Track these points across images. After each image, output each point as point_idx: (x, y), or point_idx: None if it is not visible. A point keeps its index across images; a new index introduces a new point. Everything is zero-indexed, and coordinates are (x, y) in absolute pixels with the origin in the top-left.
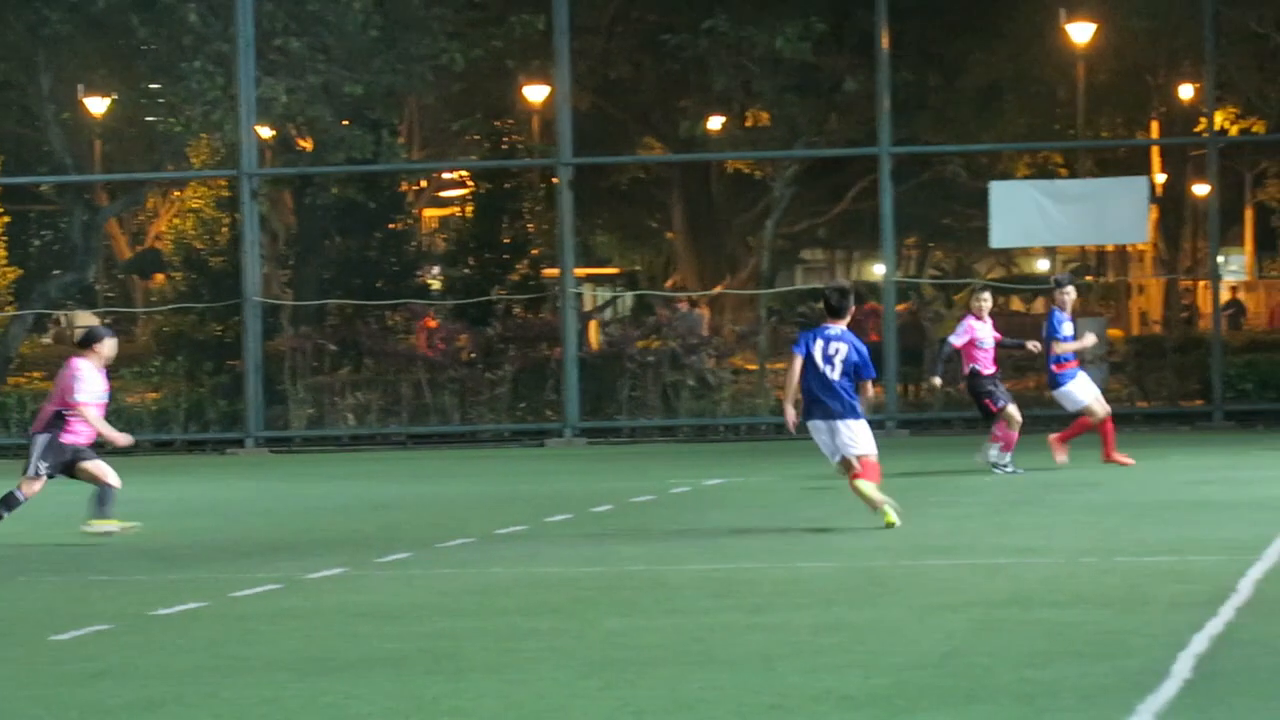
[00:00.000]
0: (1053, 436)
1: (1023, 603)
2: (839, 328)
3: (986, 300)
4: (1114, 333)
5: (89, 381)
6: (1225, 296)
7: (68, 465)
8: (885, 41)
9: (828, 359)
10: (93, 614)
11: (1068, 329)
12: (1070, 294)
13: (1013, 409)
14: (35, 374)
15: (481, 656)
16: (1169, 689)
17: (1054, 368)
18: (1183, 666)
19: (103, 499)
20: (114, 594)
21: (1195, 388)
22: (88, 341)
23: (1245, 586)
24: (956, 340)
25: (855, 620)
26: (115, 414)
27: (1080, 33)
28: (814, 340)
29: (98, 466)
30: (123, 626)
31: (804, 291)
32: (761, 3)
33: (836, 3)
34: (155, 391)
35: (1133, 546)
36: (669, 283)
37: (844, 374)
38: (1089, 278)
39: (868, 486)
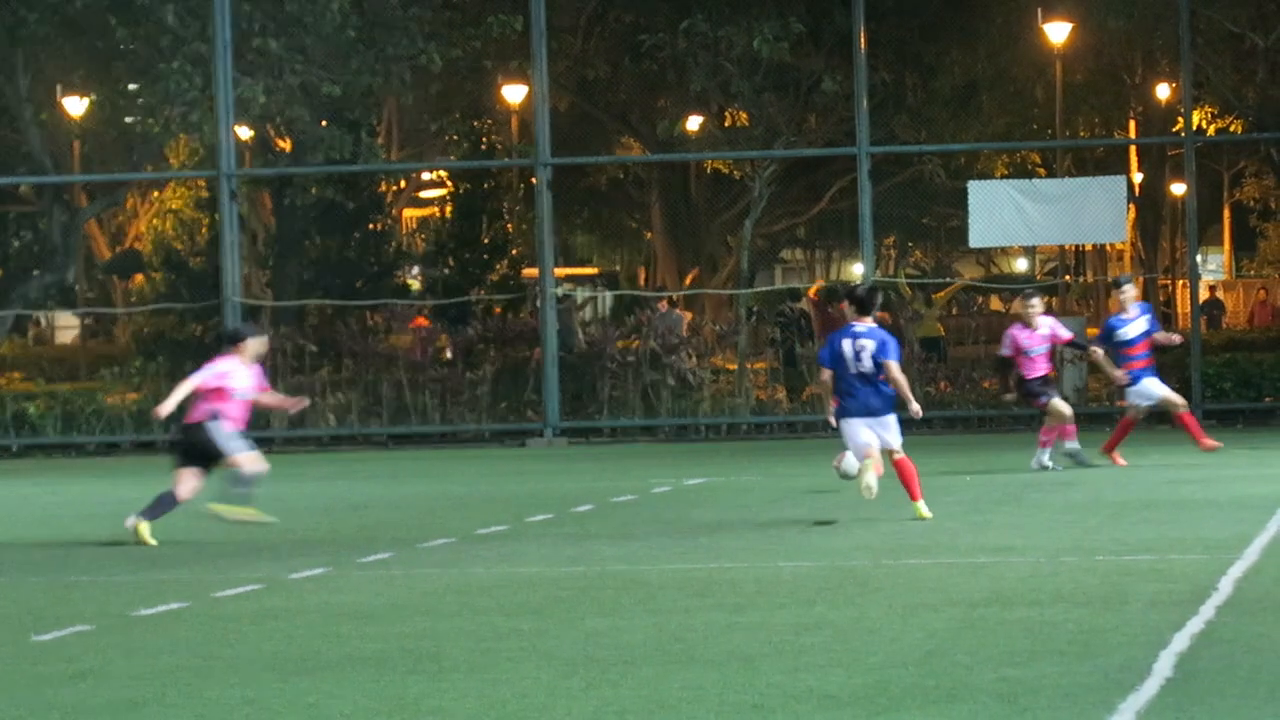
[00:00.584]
0: (1105, 448)
1: (1003, 602)
2: (865, 325)
3: (1034, 306)
4: (1093, 332)
5: (235, 378)
6: (1204, 295)
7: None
8: (863, 42)
9: (857, 356)
10: (74, 615)
11: (1131, 330)
12: (1126, 292)
13: (1057, 403)
14: (15, 374)
15: (463, 656)
16: (1150, 687)
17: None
18: (1163, 665)
19: (239, 483)
20: (95, 594)
21: (1174, 386)
22: (234, 340)
23: (1226, 585)
24: (1004, 352)
25: (837, 619)
26: (94, 414)
27: (1057, 33)
28: (840, 342)
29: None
30: (104, 627)
31: (783, 291)
32: (739, 3)
33: (814, 3)
34: (136, 392)
35: (1113, 545)
36: (642, 280)
37: (877, 369)
38: (1067, 277)
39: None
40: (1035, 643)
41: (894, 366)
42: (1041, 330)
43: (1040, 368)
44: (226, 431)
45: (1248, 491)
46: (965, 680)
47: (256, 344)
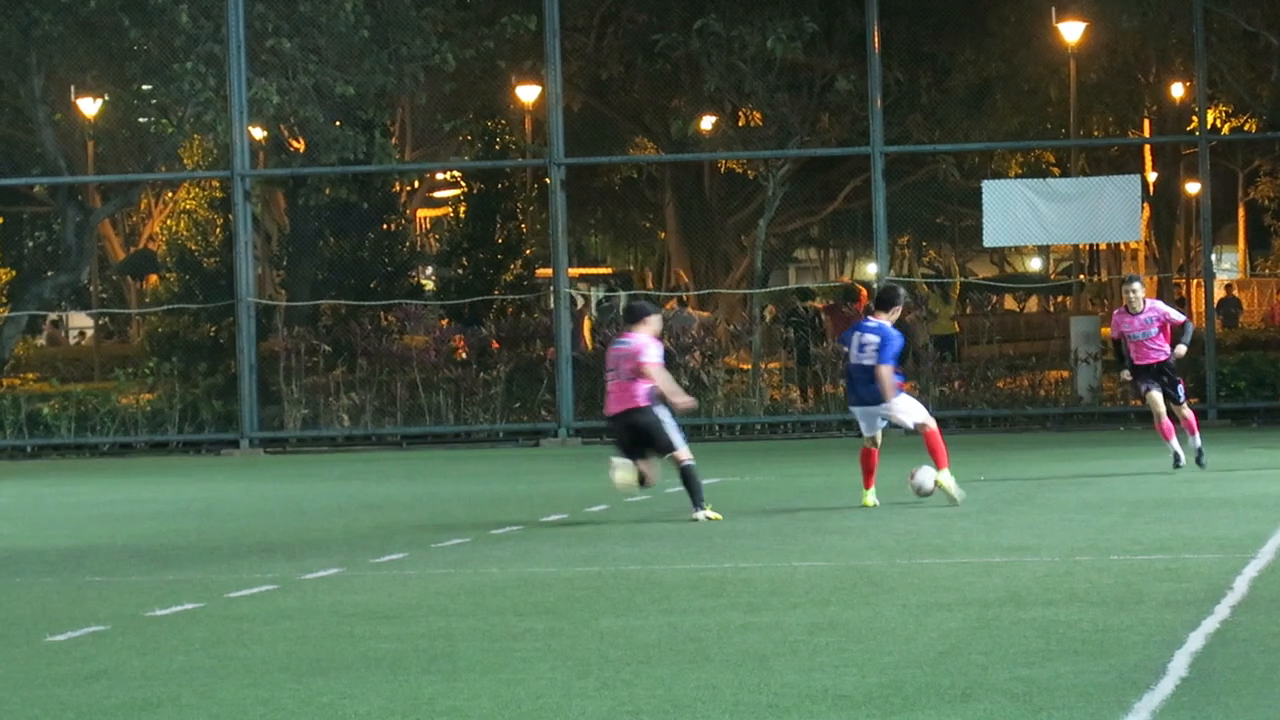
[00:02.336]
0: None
1: (1018, 601)
2: (877, 321)
3: (1134, 291)
4: (1107, 331)
5: (654, 350)
6: (1220, 294)
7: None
8: (876, 41)
9: (861, 349)
10: (89, 615)
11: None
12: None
13: (1152, 395)
14: (30, 375)
15: (477, 656)
16: (1165, 687)
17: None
18: (1179, 664)
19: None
20: (110, 595)
21: (1189, 385)
22: (640, 316)
23: (1240, 584)
24: (1113, 334)
25: (850, 619)
26: (108, 415)
27: (1071, 31)
28: (852, 334)
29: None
30: (119, 627)
31: (796, 290)
32: (752, 3)
33: (827, 2)
34: (150, 392)
35: (1127, 545)
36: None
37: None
38: (1081, 276)
39: (945, 478)
40: (1050, 642)
41: (884, 371)
42: (1141, 315)
43: (1147, 355)
44: (669, 418)
45: (1262, 490)
46: (980, 680)
47: (658, 320)
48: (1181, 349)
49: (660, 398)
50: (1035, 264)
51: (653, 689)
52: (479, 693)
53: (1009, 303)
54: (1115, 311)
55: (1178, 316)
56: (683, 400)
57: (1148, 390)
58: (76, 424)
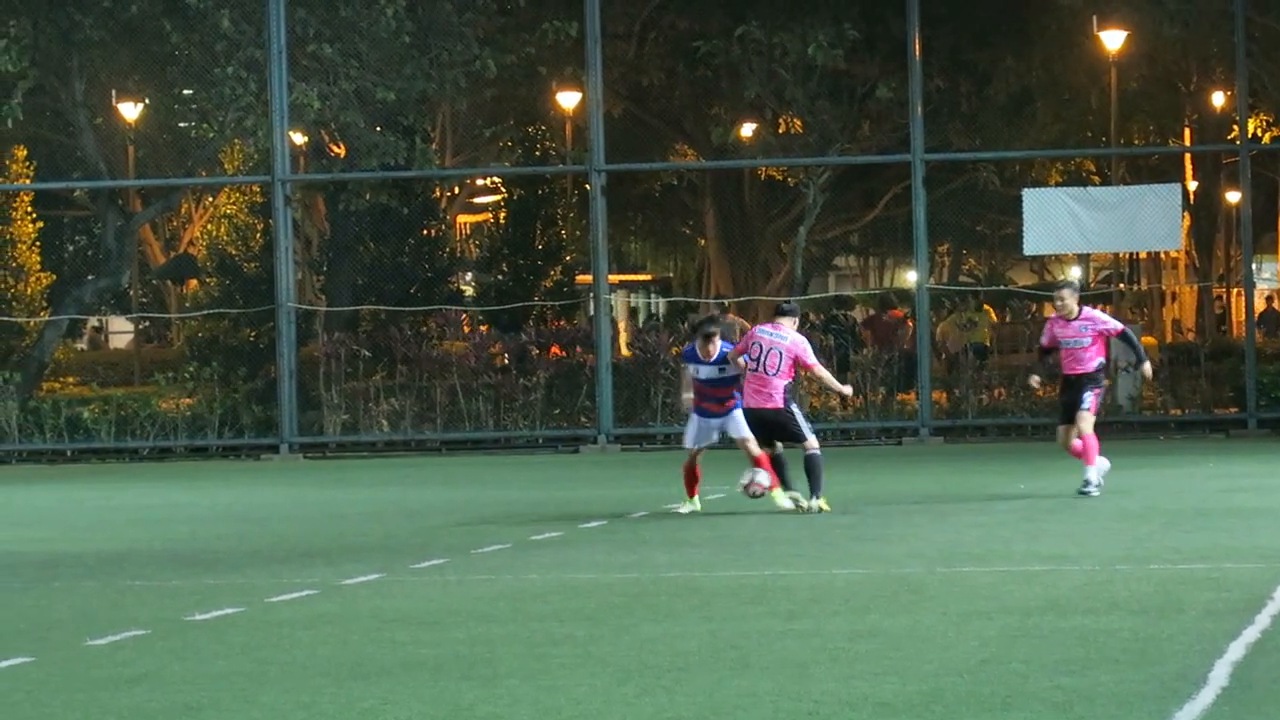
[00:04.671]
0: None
1: (1058, 610)
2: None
3: (1062, 298)
4: (1147, 340)
5: (809, 347)
6: (1260, 306)
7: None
8: (917, 48)
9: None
10: (129, 619)
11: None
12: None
13: (1063, 431)
14: (70, 379)
15: (517, 662)
16: (1205, 696)
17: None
18: (1219, 674)
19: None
20: (150, 599)
21: (1229, 395)
22: (789, 313)
23: None
24: (1044, 340)
25: (890, 627)
26: (148, 419)
27: (1112, 40)
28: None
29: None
30: (159, 631)
31: (835, 298)
32: (793, 10)
33: (868, 10)
34: (190, 397)
35: (1167, 554)
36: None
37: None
38: (1120, 285)
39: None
40: (1090, 651)
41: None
42: (1077, 323)
43: (1070, 365)
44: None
45: None
46: (1020, 688)
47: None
48: (1148, 368)
49: (795, 396)
50: (1075, 272)
51: (693, 696)
52: (519, 699)
53: (1048, 311)
54: (1049, 319)
55: (1115, 326)
56: (845, 389)
57: (1062, 424)
58: (116, 428)
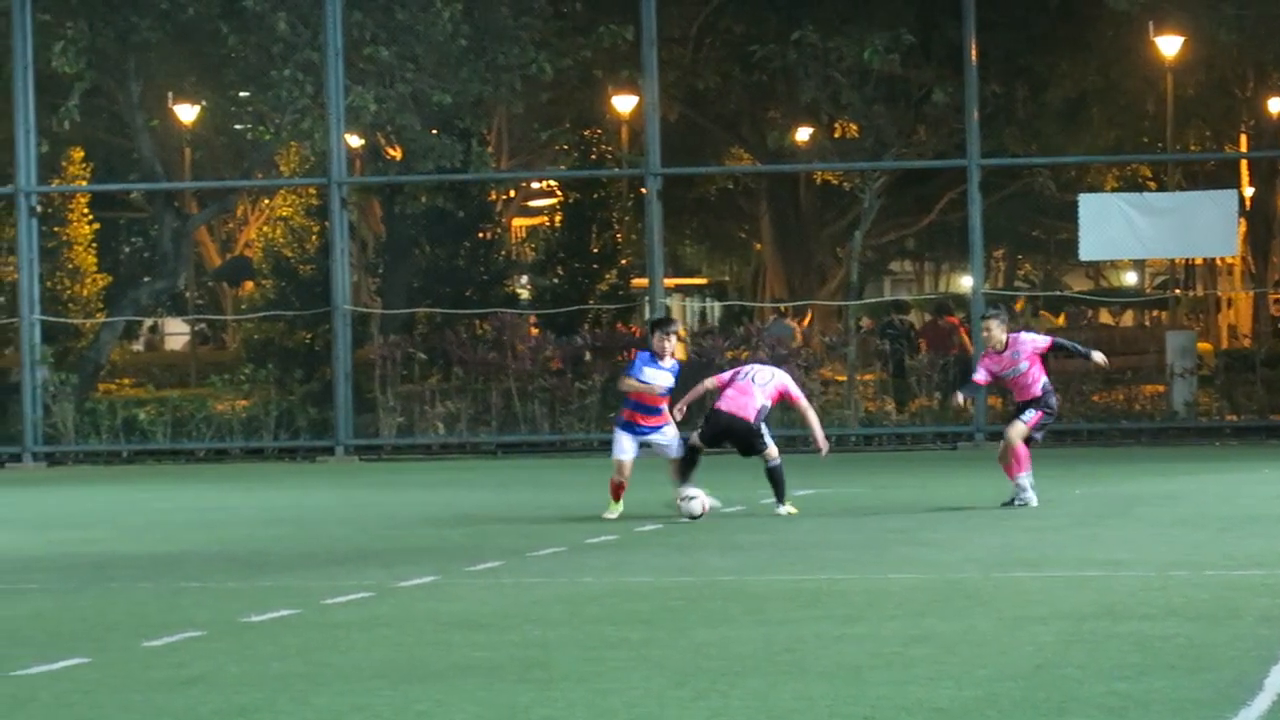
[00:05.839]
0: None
1: (1113, 615)
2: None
3: (989, 329)
4: (1203, 346)
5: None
6: None
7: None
8: (974, 53)
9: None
10: (184, 620)
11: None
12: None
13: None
14: (126, 380)
15: (572, 665)
16: (1262, 703)
17: None
18: (1275, 680)
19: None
20: (206, 600)
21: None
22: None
23: None
24: (981, 379)
25: (945, 632)
26: (204, 421)
27: (1168, 46)
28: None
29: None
30: (215, 633)
31: (891, 302)
32: (849, 14)
33: (924, 14)
34: (245, 399)
35: (1222, 560)
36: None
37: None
38: (1176, 291)
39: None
40: (1145, 657)
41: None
42: (1009, 352)
43: (1023, 392)
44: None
45: None
46: (1075, 694)
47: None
48: (1098, 357)
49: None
50: (1130, 278)
51: (748, 700)
52: (574, 702)
53: (1104, 316)
54: (983, 355)
55: (1043, 341)
56: (823, 443)
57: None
58: (172, 429)
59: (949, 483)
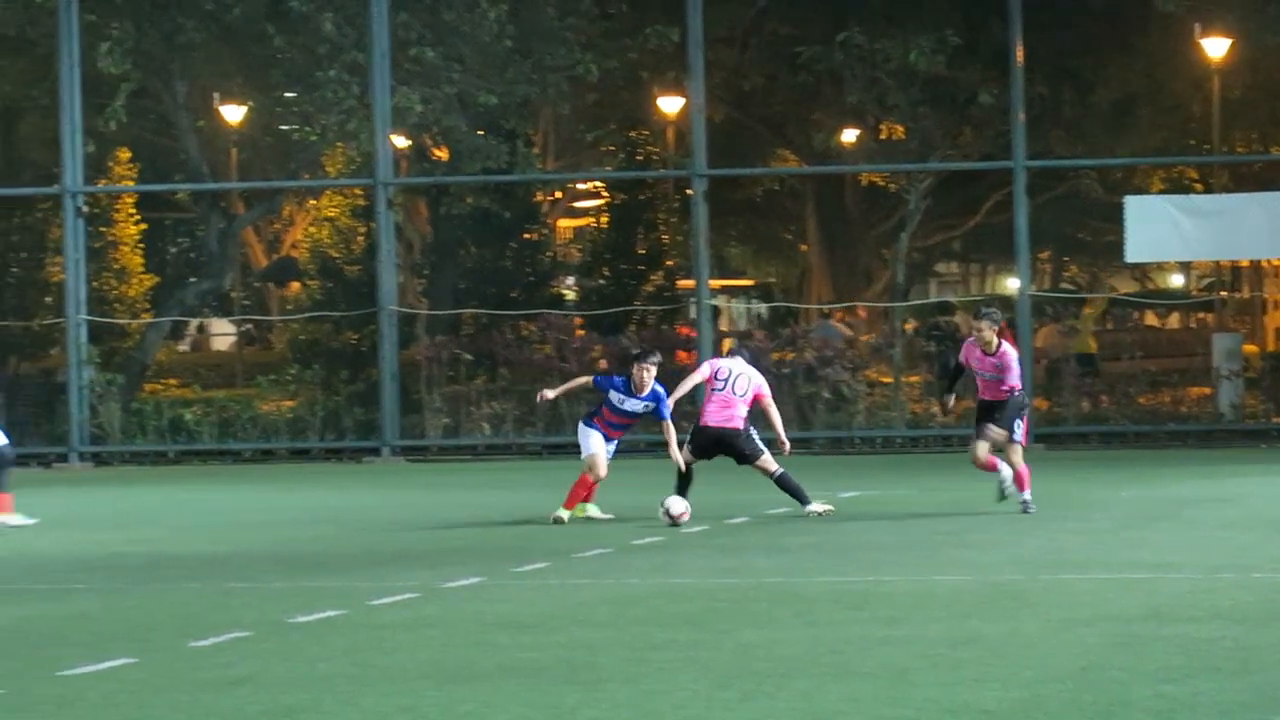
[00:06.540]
0: None
1: (1159, 618)
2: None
3: (980, 331)
4: (1249, 348)
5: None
6: None
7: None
8: (1019, 55)
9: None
10: (231, 621)
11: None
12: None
13: (976, 446)
14: (172, 381)
15: (618, 667)
16: None
17: None
18: None
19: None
20: (252, 601)
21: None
22: (740, 354)
23: None
24: (963, 359)
25: (991, 634)
26: (250, 421)
27: (1215, 47)
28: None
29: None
30: (261, 634)
31: (937, 304)
32: (895, 16)
33: (970, 16)
34: (292, 399)
35: (1269, 563)
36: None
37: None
38: (1222, 293)
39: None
40: (1191, 659)
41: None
42: (994, 359)
43: (986, 391)
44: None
45: None
46: (1121, 696)
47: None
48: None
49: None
50: (1177, 280)
51: (794, 701)
52: (620, 703)
53: (1150, 318)
54: (967, 341)
55: (1014, 381)
56: (784, 442)
57: (977, 437)
58: (219, 430)
59: (993, 485)
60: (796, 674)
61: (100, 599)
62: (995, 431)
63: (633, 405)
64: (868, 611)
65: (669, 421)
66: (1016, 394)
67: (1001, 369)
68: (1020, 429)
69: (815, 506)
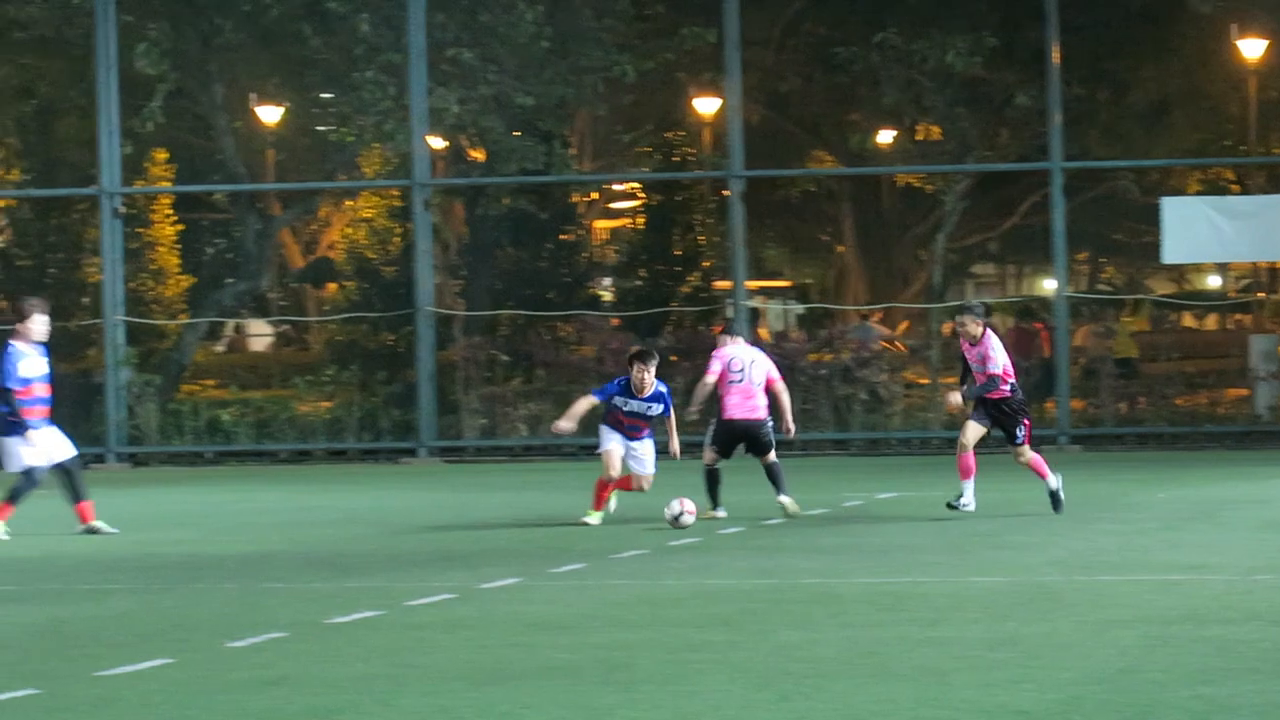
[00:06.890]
0: None
1: (1197, 619)
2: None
3: (962, 325)
4: None
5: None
6: None
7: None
8: (1056, 56)
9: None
10: (268, 621)
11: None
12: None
13: (968, 425)
14: (209, 382)
15: (655, 668)
16: None
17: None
18: None
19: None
20: (289, 601)
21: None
22: (737, 332)
23: None
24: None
25: (1028, 635)
26: (287, 422)
27: (1251, 48)
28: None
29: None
30: (298, 634)
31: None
32: (932, 17)
33: (1007, 17)
34: (329, 400)
35: None
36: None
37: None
38: (1260, 295)
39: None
40: (1229, 661)
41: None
42: (978, 349)
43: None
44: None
45: None
46: (1158, 698)
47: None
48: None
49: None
50: (1214, 281)
51: (831, 702)
52: (657, 704)
53: (1187, 319)
54: (962, 340)
55: (995, 368)
56: (790, 425)
57: (969, 420)
58: (256, 431)
59: (1033, 486)
60: (833, 675)
61: (137, 599)
62: (1015, 450)
63: (635, 406)
64: (905, 613)
65: (670, 417)
66: (1016, 398)
67: (984, 358)
68: (1023, 433)
69: (787, 500)
